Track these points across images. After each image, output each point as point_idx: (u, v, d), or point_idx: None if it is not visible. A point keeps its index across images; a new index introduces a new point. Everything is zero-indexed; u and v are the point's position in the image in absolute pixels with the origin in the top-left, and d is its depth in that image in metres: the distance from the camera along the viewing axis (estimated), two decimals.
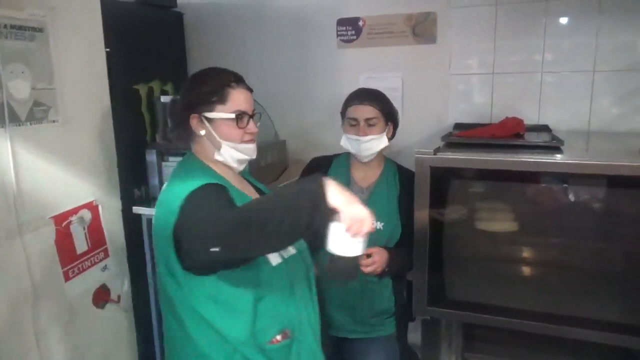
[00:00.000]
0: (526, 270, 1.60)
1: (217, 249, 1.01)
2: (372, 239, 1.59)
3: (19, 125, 1.12)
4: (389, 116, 1.66)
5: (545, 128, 1.96)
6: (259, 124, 1.31)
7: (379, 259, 1.53)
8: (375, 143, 1.63)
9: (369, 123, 1.62)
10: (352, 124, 1.63)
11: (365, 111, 1.62)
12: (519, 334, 1.58)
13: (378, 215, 1.62)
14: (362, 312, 1.61)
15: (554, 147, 1.52)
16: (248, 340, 1.14)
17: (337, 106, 1.83)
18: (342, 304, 1.60)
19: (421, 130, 2.21)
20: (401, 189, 1.67)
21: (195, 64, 2.75)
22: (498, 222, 1.58)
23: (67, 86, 1.24)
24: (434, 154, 1.49)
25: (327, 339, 1.37)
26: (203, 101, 1.23)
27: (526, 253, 1.60)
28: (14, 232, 1.11)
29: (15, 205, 1.11)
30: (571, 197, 1.48)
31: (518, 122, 1.80)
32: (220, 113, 1.23)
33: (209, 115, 1.22)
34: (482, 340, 1.83)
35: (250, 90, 1.33)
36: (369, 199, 1.66)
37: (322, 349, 1.30)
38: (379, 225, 1.62)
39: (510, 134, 1.70)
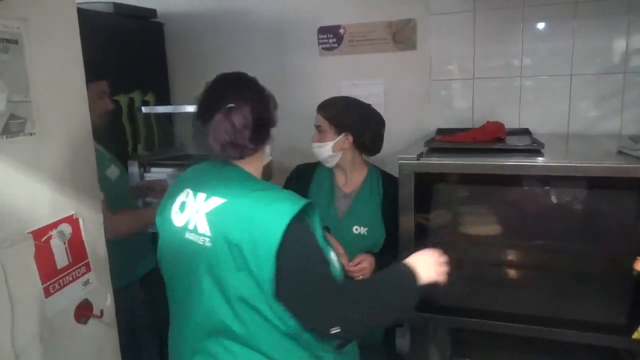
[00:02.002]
0: (511, 273, 1.61)
1: (338, 330, 1.07)
2: (356, 244, 1.61)
3: None
4: (341, 126, 1.68)
5: (525, 132, 1.98)
6: None
7: (368, 265, 1.52)
8: (320, 150, 1.69)
9: (318, 130, 1.69)
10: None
11: (317, 119, 1.70)
12: (507, 337, 1.59)
13: (362, 220, 1.64)
14: None
15: (535, 150, 1.54)
16: None
17: None
18: None
19: (404, 136, 2.23)
20: (384, 195, 1.68)
21: (176, 73, 2.74)
22: (482, 225, 1.59)
23: (44, 98, 1.21)
24: (417, 160, 1.50)
25: None
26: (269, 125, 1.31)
27: (510, 256, 1.61)
28: None
29: None
30: (553, 200, 1.50)
31: (499, 126, 1.83)
32: None
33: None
34: (471, 344, 1.83)
35: None
36: (352, 205, 1.66)
37: None
38: (363, 230, 1.63)
39: (491, 138, 1.72)
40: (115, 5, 2.31)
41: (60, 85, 1.26)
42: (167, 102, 2.67)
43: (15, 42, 1.14)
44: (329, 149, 1.67)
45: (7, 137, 1.12)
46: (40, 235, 1.13)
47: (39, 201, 1.17)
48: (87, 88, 1.46)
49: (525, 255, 1.59)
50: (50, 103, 1.22)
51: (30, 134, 1.18)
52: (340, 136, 1.66)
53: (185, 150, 2.66)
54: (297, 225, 1.08)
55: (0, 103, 1.11)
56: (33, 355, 1.15)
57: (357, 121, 1.69)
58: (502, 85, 2.20)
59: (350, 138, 1.69)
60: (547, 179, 1.44)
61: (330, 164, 1.69)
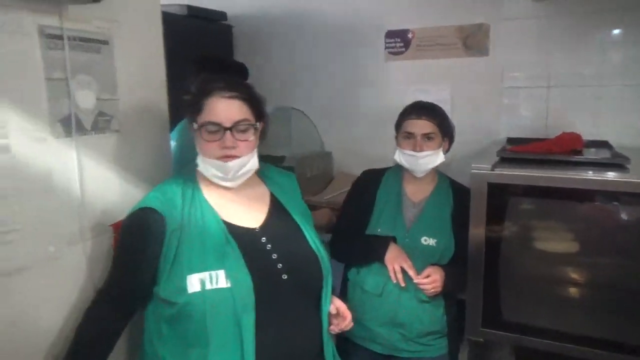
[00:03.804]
0: (586, 293, 1.53)
1: None
2: (424, 256, 1.57)
3: (84, 134, 1.15)
4: (446, 131, 1.62)
5: (604, 144, 1.88)
6: (252, 138, 1.16)
7: (438, 277, 1.49)
8: (431, 159, 1.58)
9: (427, 137, 1.58)
10: (407, 138, 1.60)
11: (423, 126, 1.58)
12: None
13: (431, 231, 1.60)
14: (412, 330, 1.56)
15: (618, 164, 1.45)
16: None
17: (385, 119, 1.80)
18: (391, 321, 1.56)
19: (471, 144, 2.15)
20: (455, 205, 1.63)
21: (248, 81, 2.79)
22: (557, 242, 1.51)
23: (128, 97, 1.27)
24: (492, 170, 1.45)
25: None
26: (185, 110, 1.19)
27: (585, 275, 1.52)
28: (76, 238, 1.14)
29: (78, 213, 1.14)
30: (636, 218, 1.40)
31: (576, 137, 1.74)
32: (195, 124, 1.15)
33: (194, 125, 1.16)
34: None
35: (249, 99, 1.17)
36: (421, 215, 1.62)
37: None
38: (432, 241, 1.58)
39: (567, 149, 1.64)
40: (189, 8, 2.38)
41: (143, 84, 1.31)
42: None
43: (106, 42, 1.20)
44: (441, 157, 1.60)
45: (95, 134, 1.18)
46: (119, 228, 1.17)
47: (119, 195, 1.22)
48: None
49: (602, 275, 1.49)
50: (134, 101, 1.28)
51: (116, 131, 1.23)
52: (444, 142, 1.63)
53: None
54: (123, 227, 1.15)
55: (91, 101, 1.16)
56: None
57: (453, 126, 1.67)
58: (578, 94, 2.10)
59: (447, 145, 1.65)
60: (631, 197, 1.35)
61: (426, 173, 1.61)
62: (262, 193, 1.30)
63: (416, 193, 1.66)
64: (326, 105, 2.62)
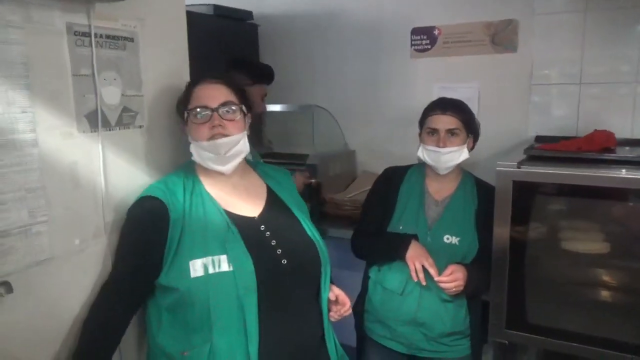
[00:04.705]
0: (614, 296, 1.48)
1: None
2: (446, 254, 1.55)
3: (109, 129, 1.18)
4: (471, 128, 1.59)
5: (639, 143, 1.81)
6: (239, 117, 1.21)
7: (461, 276, 1.46)
8: (455, 155, 1.55)
9: (451, 133, 1.55)
10: (431, 134, 1.57)
11: (447, 121, 1.55)
12: None
13: (454, 229, 1.57)
14: (434, 330, 1.53)
15: None
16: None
17: (409, 118, 1.78)
18: (413, 320, 1.54)
19: (498, 143, 2.11)
20: (479, 204, 1.59)
21: None
22: (585, 242, 1.47)
23: (152, 93, 1.29)
24: (518, 167, 1.41)
25: None
26: (178, 107, 1.26)
27: (614, 277, 1.48)
28: (101, 231, 1.17)
29: (103, 206, 1.16)
30: None
31: (608, 135, 1.69)
32: (185, 114, 1.21)
33: (185, 114, 1.21)
34: None
35: (232, 85, 1.23)
36: (444, 213, 1.59)
37: None
38: (455, 240, 1.55)
39: (599, 148, 1.59)
40: (216, 7, 2.41)
41: (167, 81, 1.33)
42: None
43: (132, 40, 1.23)
44: (466, 154, 1.58)
45: (120, 129, 1.20)
46: None
47: (142, 189, 1.24)
48: (253, 89, 1.65)
49: (631, 277, 1.44)
50: (158, 98, 1.30)
51: (140, 127, 1.26)
52: (468, 139, 1.60)
53: (273, 148, 2.72)
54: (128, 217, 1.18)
55: (116, 97, 1.19)
56: (130, 333, 1.23)
57: (478, 123, 1.64)
58: (611, 91, 2.03)
59: (471, 143, 1.62)
60: None
61: (449, 170, 1.59)
62: (259, 185, 1.34)
63: (439, 191, 1.63)
64: (350, 104, 2.61)
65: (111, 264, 1.18)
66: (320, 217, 2.27)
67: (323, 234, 2.20)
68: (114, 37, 1.18)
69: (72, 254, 1.11)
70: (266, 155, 2.44)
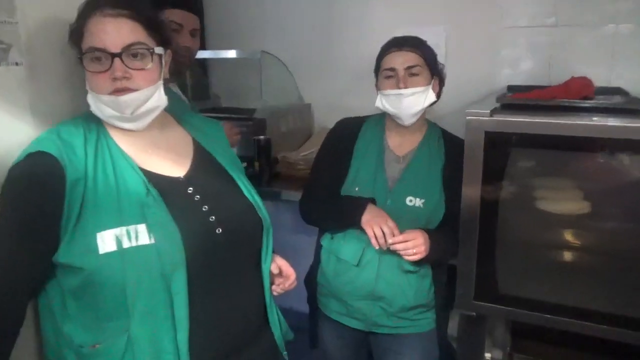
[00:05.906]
0: (594, 262, 1.36)
1: None
2: (409, 218, 1.37)
3: None
4: (434, 67, 1.39)
5: (618, 91, 1.69)
6: (150, 66, 0.94)
7: (421, 240, 1.30)
8: (419, 98, 1.36)
9: (411, 72, 1.35)
10: (389, 76, 1.36)
11: (406, 58, 1.35)
12: (578, 335, 1.35)
13: (417, 190, 1.39)
14: (395, 304, 1.37)
15: (635, 110, 1.26)
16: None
17: (369, 67, 1.57)
18: (371, 294, 1.37)
19: (467, 93, 1.92)
20: (446, 159, 1.41)
21: (213, 23, 2.54)
22: (564, 202, 1.33)
23: (33, 21, 1.01)
24: (491, 116, 1.23)
25: None
26: (69, 39, 0.97)
27: (595, 241, 1.36)
28: None
29: None
30: None
31: (585, 83, 1.54)
32: (78, 56, 0.94)
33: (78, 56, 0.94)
34: (532, 338, 1.59)
35: (144, 18, 0.94)
36: (406, 170, 1.41)
37: None
38: (419, 202, 1.37)
39: (575, 96, 1.45)
40: None
41: (57, 4, 1.04)
42: (201, 47, 2.45)
43: None
44: (432, 97, 1.39)
45: None
46: None
47: (22, 142, 0.97)
48: (183, 21, 1.43)
49: (612, 241, 1.32)
50: (43, 27, 1.02)
51: (16, 64, 0.98)
52: (433, 81, 1.40)
53: (221, 103, 2.45)
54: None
55: None
56: None
57: (442, 64, 1.44)
58: (590, 35, 1.89)
59: (436, 86, 1.42)
60: None
61: (414, 119, 1.40)
62: (183, 138, 1.11)
63: (401, 145, 1.44)
64: (304, 53, 2.38)
65: None
66: (271, 178, 2.10)
67: (276, 196, 2.02)
68: None
69: None
70: (206, 110, 2.18)
